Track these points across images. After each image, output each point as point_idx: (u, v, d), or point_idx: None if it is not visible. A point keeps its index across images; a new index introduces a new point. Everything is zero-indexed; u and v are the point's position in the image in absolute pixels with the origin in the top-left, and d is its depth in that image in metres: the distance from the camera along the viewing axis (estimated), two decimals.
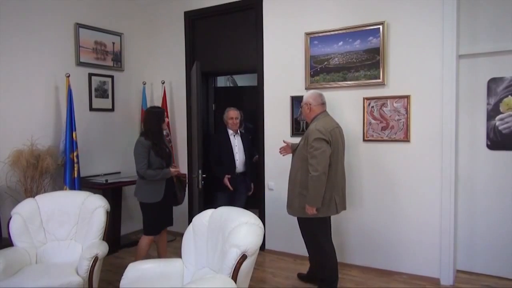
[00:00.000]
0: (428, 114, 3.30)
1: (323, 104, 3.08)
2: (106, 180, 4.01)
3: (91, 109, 4.30)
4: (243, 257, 2.04)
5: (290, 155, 3.27)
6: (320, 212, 2.90)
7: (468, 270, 3.47)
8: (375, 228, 3.55)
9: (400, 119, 3.39)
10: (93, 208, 3.04)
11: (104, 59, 4.42)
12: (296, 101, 3.80)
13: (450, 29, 3.18)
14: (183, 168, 4.57)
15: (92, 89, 4.30)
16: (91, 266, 2.66)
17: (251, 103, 4.55)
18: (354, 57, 3.54)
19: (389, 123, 3.44)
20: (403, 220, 3.43)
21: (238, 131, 3.96)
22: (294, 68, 3.86)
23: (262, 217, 4.04)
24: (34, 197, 3.18)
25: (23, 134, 3.60)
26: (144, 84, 4.78)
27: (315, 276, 3.24)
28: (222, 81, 5.90)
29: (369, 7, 3.47)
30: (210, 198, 4.33)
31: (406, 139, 3.37)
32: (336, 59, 3.63)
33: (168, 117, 4.63)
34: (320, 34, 3.68)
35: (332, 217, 3.49)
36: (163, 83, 4.66)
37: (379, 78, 3.43)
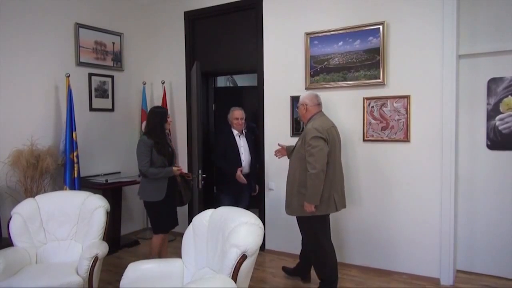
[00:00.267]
0: (428, 114, 3.30)
1: (319, 104, 3.11)
2: (106, 180, 4.01)
3: (91, 109, 4.30)
4: (243, 257, 2.04)
5: (286, 157, 3.28)
6: (319, 210, 2.91)
7: (468, 270, 3.47)
8: (375, 228, 3.55)
9: (400, 119, 3.39)
10: (93, 208, 3.04)
11: (104, 59, 4.42)
12: (296, 101, 3.78)
13: (450, 29, 3.18)
14: (183, 168, 4.57)
15: (92, 89, 4.30)
16: (91, 266, 2.65)
17: (251, 103, 4.55)
18: (354, 57, 3.54)
19: (389, 123, 3.44)
20: (403, 220, 3.43)
21: (243, 131, 3.90)
22: (294, 68, 3.86)
23: (262, 217, 4.04)
24: (34, 197, 3.17)
25: (23, 134, 3.60)
26: (144, 84, 4.78)
27: (301, 272, 3.34)
28: (222, 81, 5.90)
29: (369, 7, 3.47)
30: (211, 199, 4.33)
31: (406, 139, 3.37)
32: (336, 59, 3.63)
33: (169, 117, 4.63)
34: (320, 34, 3.68)
35: (332, 217, 3.50)
36: (163, 83, 4.66)
37: (379, 78, 3.43)
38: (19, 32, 3.62)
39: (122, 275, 2.45)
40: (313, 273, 3.22)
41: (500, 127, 3.31)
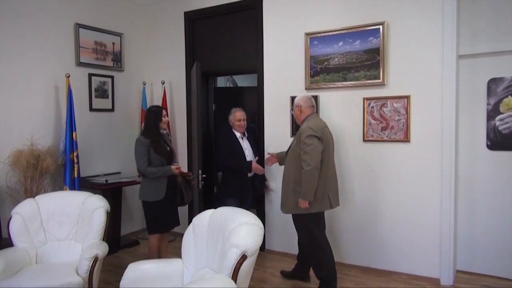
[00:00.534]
0: (428, 114, 3.30)
1: (313, 106, 3.21)
2: (106, 180, 4.01)
3: (91, 109, 4.30)
4: (243, 257, 2.04)
5: (278, 164, 3.34)
6: (314, 207, 2.97)
7: (468, 270, 3.46)
8: (375, 228, 3.55)
9: (400, 119, 3.39)
10: (93, 209, 3.04)
11: (104, 59, 4.42)
12: None
13: (450, 29, 3.18)
14: (183, 168, 4.57)
15: (92, 89, 4.30)
16: (91, 266, 2.66)
17: (251, 103, 4.54)
18: (354, 57, 3.54)
19: (389, 123, 3.44)
20: (403, 220, 3.43)
21: (245, 133, 3.77)
22: (294, 68, 3.86)
23: (262, 217, 4.04)
24: (34, 197, 3.17)
25: (23, 134, 3.60)
26: (144, 84, 4.78)
27: (300, 273, 3.37)
28: (222, 81, 5.90)
29: (369, 7, 3.47)
30: (211, 199, 4.32)
31: (406, 139, 3.37)
32: (336, 59, 3.63)
33: (168, 117, 4.62)
34: (320, 34, 3.68)
35: (332, 217, 3.50)
36: (163, 83, 4.66)
37: (379, 78, 3.43)
38: (19, 32, 3.62)
39: (122, 275, 2.46)
40: (312, 272, 3.22)
41: (500, 127, 3.31)
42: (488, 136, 3.36)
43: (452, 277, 3.28)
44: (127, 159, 4.54)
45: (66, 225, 3.07)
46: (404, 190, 3.42)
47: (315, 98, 3.71)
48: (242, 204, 3.58)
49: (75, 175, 3.73)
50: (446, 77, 3.21)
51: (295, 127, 3.88)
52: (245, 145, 3.73)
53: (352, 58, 3.55)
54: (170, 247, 3.85)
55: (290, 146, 3.19)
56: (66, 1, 4.00)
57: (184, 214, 4.36)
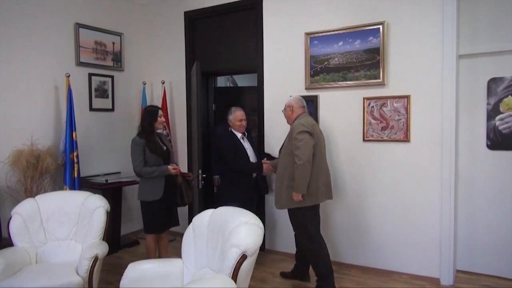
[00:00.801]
0: (428, 114, 3.30)
1: (304, 107, 3.26)
2: (106, 180, 4.01)
3: (91, 109, 4.30)
4: (243, 257, 2.04)
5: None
6: (307, 201, 3.02)
7: (468, 270, 3.46)
8: (375, 228, 3.55)
9: (400, 119, 3.39)
10: (93, 208, 3.04)
11: (104, 59, 4.42)
12: None
13: (450, 29, 3.18)
14: (183, 168, 4.57)
15: (92, 89, 4.30)
16: (91, 266, 2.66)
17: (251, 103, 4.54)
18: (354, 57, 3.54)
19: (389, 123, 3.44)
20: (403, 220, 3.43)
21: (245, 133, 3.69)
22: (294, 68, 3.86)
23: (262, 217, 4.03)
24: (34, 197, 3.18)
25: (23, 134, 3.60)
26: (144, 84, 4.78)
27: (300, 272, 3.40)
28: (222, 81, 5.90)
29: (369, 7, 3.47)
30: (211, 199, 4.31)
31: (406, 139, 3.37)
32: (336, 59, 3.63)
33: (168, 117, 4.63)
34: (320, 34, 3.68)
35: (332, 217, 3.50)
36: (163, 83, 4.66)
37: (379, 78, 3.43)
38: (19, 32, 3.62)
39: (122, 275, 2.45)
40: (312, 272, 3.22)
41: (500, 127, 3.31)
42: (488, 136, 3.36)
43: (452, 277, 3.28)
44: (127, 159, 4.48)
45: (66, 225, 3.07)
46: (404, 189, 3.42)
47: (315, 98, 3.73)
48: (246, 208, 3.48)
49: (75, 175, 3.73)
50: (446, 77, 3.21)
51: None
52: (247, 145, 3.67)
53: (352, 58, 3.55)
54: (170, 247, 3.85)
55: (282, 145, 3.25)
56: (66, 1, 4.00)
57: (184, 214, 4.36)
